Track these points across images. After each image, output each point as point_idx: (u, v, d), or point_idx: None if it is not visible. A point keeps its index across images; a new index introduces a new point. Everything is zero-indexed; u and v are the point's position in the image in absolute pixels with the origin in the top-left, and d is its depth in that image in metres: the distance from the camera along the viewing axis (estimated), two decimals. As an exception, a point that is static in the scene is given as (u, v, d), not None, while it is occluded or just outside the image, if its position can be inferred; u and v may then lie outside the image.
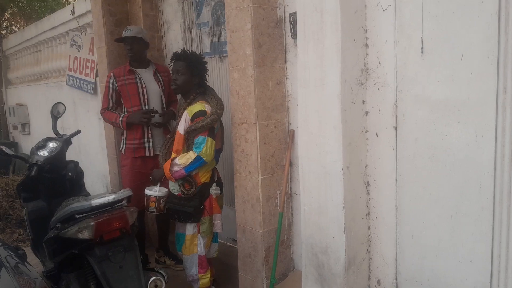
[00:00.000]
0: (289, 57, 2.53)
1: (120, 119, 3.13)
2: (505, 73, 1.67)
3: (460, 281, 1.92)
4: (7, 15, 8.99)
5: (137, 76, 3.18)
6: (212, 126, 2.47)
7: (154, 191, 2.61)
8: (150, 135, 3.18)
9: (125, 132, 3.23)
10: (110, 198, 2.26)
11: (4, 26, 8.82)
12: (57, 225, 2.38)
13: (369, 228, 2.23)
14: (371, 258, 2.25)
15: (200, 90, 2.58)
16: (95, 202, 2.24)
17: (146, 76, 3.21)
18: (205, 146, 2.41)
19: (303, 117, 2.21)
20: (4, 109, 7.33)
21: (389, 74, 2.04)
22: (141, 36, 3.14)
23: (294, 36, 2.41)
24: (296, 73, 2.45)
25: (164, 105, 3.29)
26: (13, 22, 9.21)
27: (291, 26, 2.44)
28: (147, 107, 3.17)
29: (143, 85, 3.17)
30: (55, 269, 2.56)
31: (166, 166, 2.53)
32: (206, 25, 3.37)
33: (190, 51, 2.64)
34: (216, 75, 3.34)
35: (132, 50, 3.15)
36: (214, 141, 2.45)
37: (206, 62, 2.65)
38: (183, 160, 2.47)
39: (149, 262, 3.35)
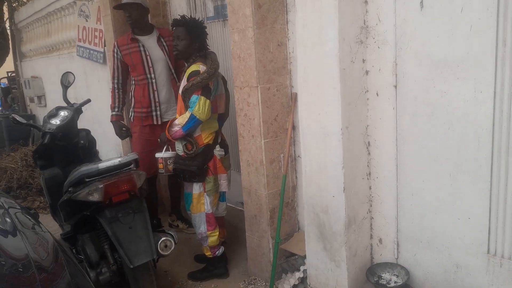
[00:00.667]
0: (290, 18, 2.49)
1: (112, 113, 3.35)
2: (505, 26, 1.62)
3: (458, 238, 1.94)
4: (18, -13, 9.01)
5: (140, 44, 3.17)
6: (207, 86, 2.50)
7: (160, 153, 2.73)
8: (157, 103, 3.22)
9: (132, 100, 3.28)
10: (116, 161, 2.34)
11: (16, -1, 8.86)
12: (69, 189, 2.49)
13: (370, 188, 2.25)
14: (372, 218, 2.29)
15: (200, 54, 2.61)
16: (102, 165, 2.32)
17: (150, 42, 3.20)
18: (197, 104, 2.46)
19: (302, 78, 2.20)
20: (21, 83, 7.47)
21: (388, 31, 2.00)
22: (139, 2, 3.10)
23: (294, -5, 2.36)
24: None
25: (172, 71, 3.28)
26: (23, -6, 9.24)
27: (291, -15, 2.39)
28: (152, 76, 3.18)
29: (147, 53, 3.17)
30: (71, 231, 2.70)
31: (167, 127, 2.63)
32: (210, -12, 3.33)
33: (189, 17, 2.65)
34: (220, 39, 3.32)
35: (131, 17, 3.13)
36: (208, 100, 2.47)
37: (205, 27, 2.66)
38: (180, 119, 2.55)
39: (162, 226, 3.47)
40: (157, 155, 2.75)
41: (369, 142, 2.20)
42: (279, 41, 2.49)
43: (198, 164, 2.60)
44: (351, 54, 2.04)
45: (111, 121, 3.39)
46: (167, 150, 2.74)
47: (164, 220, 3.59)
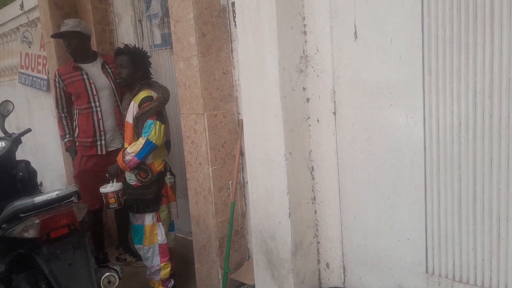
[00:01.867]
0: (235, 46, 2.54)
1: (65, 141, 3.22)
2: (429, 56, 1.74)
3: (399, 258, 2.00)
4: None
5: (83, 72, 3.08)
6: (160, 111, 2.53)
7: (110, 188, 2.61)
8: (102, 132, 3.11)
9: (77, 129, 3.16)
10: (53, 194, 2.22)
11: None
12: (3, 225, 2.33)
13: (315, 212, 2.28)
14: (319, 242, 2.31)
15: (144, 82, 2.62)
16: (39, 199, 2.19)
17: (93, 70, 3.12)
18: (153, 129, 2.46)
19: (246, 106, 2.22)
20: (-42, 111, 7.01)
21: (326, 60, 2.08)
22: (78, 30, 3.01)
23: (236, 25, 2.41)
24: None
25: (117, 98, 3.19)
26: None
27: (234, 15, 2.44)
28: (97, 104, 3.09)
29: (91, 81, 3.08)
30: (5, 271, 2.51)
31: (119, 157, 2.56)
32: (156, 16, 3.33)
33: (133, 45, 2.68)
34: (168, 66, 3.31)
35: (71, 46, 3.05)
36: (163, 125, 2.49)
37: (149, 56, 2.69)
38: (134, 147, 2.50)
39: (109, 260, 3.32)
40: (105, 190, 2.60)
41: (312, 167, 2.25)
42: (224, 69, 2.52)
43: (154, 192, 2.56)
44: (292, 82, 2.10)
45: (66, 149, 3.25)
46: (113, 182, 2.64)
47: (111, 254, 3.44)
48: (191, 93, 2.48)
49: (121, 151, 2.59)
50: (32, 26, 4.60)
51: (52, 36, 3.24)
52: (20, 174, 3.14)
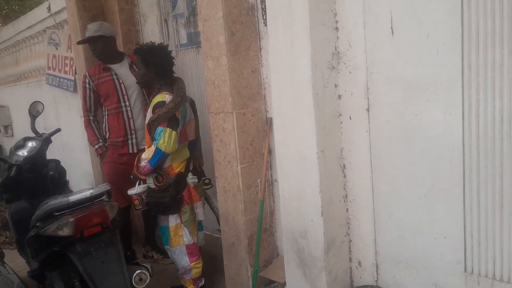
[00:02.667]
0: (263, 44, 2.53)
1: (96, 147, 3.23)
2: (469, 50, 1.69)
3: (436, 258, 1.96)
4: (-15, 16, 8.84)
5: (113, 73, 3.12)
6: (173, 116, 2.42)
7: (133, 190, 2.61)
8: (133, 131, 3.15)
9: (107, 131, 3.21)
10: (87, 193, 2.25)
11: (-17, 27, 8.66)
12: (37, 224, 2.37)
13: (347, 210, 2.25)
14: (351, 240, 2.28)
15: (165, 82, 2.56)
16: (73, 198, 2.23)
17: (122, 70, 3.16)
18: (162, 137, 2.38)
19: (277, 104, 2.21)
20: (-13, 112, 7.22)
21: (359, 56, 2.05)
22: (100, 34, 3.04)
23: (266, 23, 2.40)
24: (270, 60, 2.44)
25: (146, 97, 3.22)
26: (-9, 23, 9.05)
27: (263, 13, 2.43)
28: (127, 103, 3.13)
29: (120, 81, 3.12)
30: (39, 268, 2.56)
31: (135, 162, 2.56)
32: (182, 16, 3.35)
33: (147, 43, 2.64)
34: (194, 65, 3.33)
35: (96, 50, 3.10)
36: (174, 132, 2.39)
37: (163, 53, 2.60)
38: (147, 153, 2.48)
39: (136, 258, 3.34)
40: (130, 192, 2.62)
41: (344, 165, 2.22)
42: (253, 68, 2.52)
43: (171, 195, 2.51)
44: (324, 79, 2.07)
45: (98, 155, 3.30)
46: (139, 184, 2.63)
47: (138, 251, 3.47)
48: (220, 91, 2.48)
49: (137, 156, 2.57)
50: (59, 28, 4.68)
51: (78, 43, 3.29)
52: (51, 173, 3.20)
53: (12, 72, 6.31)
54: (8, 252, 4.19)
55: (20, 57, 6.03)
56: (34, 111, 3.45)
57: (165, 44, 2.75)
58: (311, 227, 2.14)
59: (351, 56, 2.08)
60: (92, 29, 3.07)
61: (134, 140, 3.15)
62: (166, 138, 2.39)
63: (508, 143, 1.65)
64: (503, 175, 1.69)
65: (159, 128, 2.42)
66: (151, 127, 2.46)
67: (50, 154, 3.38)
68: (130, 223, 3.50)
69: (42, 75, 5.28)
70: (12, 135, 6.67)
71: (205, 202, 2.83)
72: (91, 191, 2.26)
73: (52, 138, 3.38)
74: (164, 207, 2.54)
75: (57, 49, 4.74)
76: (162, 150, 2.40)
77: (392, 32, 1.92)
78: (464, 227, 1.84)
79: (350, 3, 2.03)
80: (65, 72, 4.62)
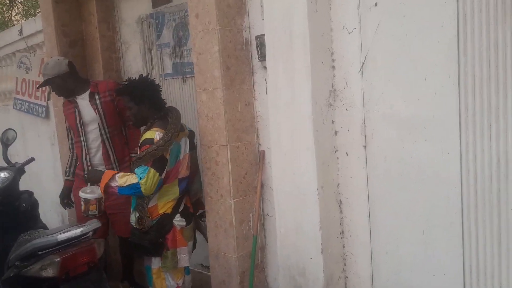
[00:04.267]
0: (256, 79, 2.54)
1: (64, 178, 3.20)
2: (466, 93, 1.77)
3: (434, 294, 1.98)
4: None
5: (76, 105, 2.98)
6: (162, 157, 2.27)
7: (93, 193, 2.37)
8: (89, 167, 2.97)
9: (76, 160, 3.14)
10: (78, 231, 2.12)
11: None
12: (16, 263, 2.20)
13: (343, 246, 2.25)
14: (347, 277, 2.27)
15: (159, 115, 2.44)
16: (62, 236, 2.09)
17: (82, 103, 2.98)
18: (146, 177, 2.21)
19: (275, 139, 2.21)
20: None
21: (356, 94, 2.10)
22: (52, 76, 2.89)
23: (261, 58, 2.43)
24: (264, 94, 2.46)
25: (106, 131, 2.98)
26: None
27: (258, 48, 2.46)
28: (83, 139, 2.98)
29: (81, 115, 2.96)
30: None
31: (106, 176, 2.30)
32: (168, 45, 3.32)
33: (127, 80, 2.53)
34: (179, 95, 3.28)
35: (56, 91, 3.00)
36: (157, 174, 2.24)
37: (151, 85, 2.49)
38: (123, 179, 2.26)
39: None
40: (87, 196, 2.35)
41: (340, 200, 2.23)
42: (246, 101, 2.52)
43: (151, 239, 2.35)
44: (322, 116, 2.10)
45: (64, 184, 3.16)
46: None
47: (114, 287, 3.29)
48: (214, 124, 2.45)
49: (112, 172, 2.36)
50: (31, 51, 4.51)
51: (38, 88, 3.22)
52: (23, 205, 3.02)
53: (-26, 95, 5.97)
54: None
55: (-15, 79, 5.73)
56: (5, 139, 3.27)
57: (147, 74, 2.67)
58: (310, 264, 2.12)
59: (348, 94, 2.13)
60: (47, 71, 2.90)
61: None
62: (149, 179, 2.21)
63: (505, 183, 1.73)
64: (501, 213, 1.75)
65: (142, 167, 2.24)
66: (136, 165, 2.29)
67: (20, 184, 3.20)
68: (108, 257, 3.32)
69: (9, 99, 5.04)
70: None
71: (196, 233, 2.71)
72: (81, 228, 2.14)
73: (26, 168, 3.21)
74: (144, 250, 2.40)
75: (27, 73, 4.55)
76: (141, 190, 2.22)
77: (390, 74, 1.99)
78: (463, 264, 1.88)
79: (347, 44, 2.09)
80: (36, 98, 4.43)
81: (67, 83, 2.96)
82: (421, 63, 1.88)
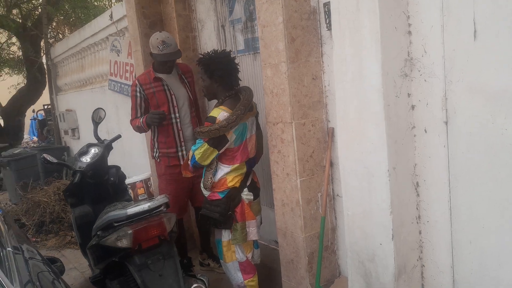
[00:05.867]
0: (325, 50, 2.37)
1: (141, 120, 3.06)
2: None
3: (528, 293, 1.70)
4: (54, 24, 9.39)
5: (164, 83, 3.06)
6: (221, 136, 2.32)
7: (135, 177, 2.45)
8: (182, 143, 3.11)
9: (156, 143, 3.18)
10: (145, 206, 2.24)
11: (52, 35, 9.22)
12: (98, 233, 2.41)
13: (420, 232, 2.04)
14: (423, 265, 2.06)
15: (230, 93, 2.43)
16: (131, 210, 2.22)
17: (173, 81, 3.10)
18: (199, 149, 2.36)
19: (341, 115, 2.05)
20: (56, 115, 7.68)
21: (436, 63, 1.83)
22: (178, 49, 3.04)
23: (329, 27, 2.25)
24: (333, 67, 2.29)
25: (194, 109, 3.18)
26: (59, 31, 9.61)
27: (326, 17, 2.27)
28: (177, 115, 3.07)
29: (171, 92, 3.06)
30: (100, 275, 2.60)
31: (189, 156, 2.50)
32: (239, 21, 3.27)
33: (209, 53, 2.51)
34: (251, 72, 3.23)
35: (172, 67, 3.06)
36: (212, 149, 2.35)
37: (224, 61, 2.45)
38: (190, 153, 2.46)
39: (193, 265, 3.33)
40: (131, 180, 2.45)
41: (417, 183, 2.01)
42: (313, 75, 2.37)
43: (221, 211, 2.39)
44: (396, 88, 1.88)
45: (145, 123, 3.03)
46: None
47: (195, 258, 3.45)
48: (279, 101, 2.36)
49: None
50: (120, 35, 4.82)
51: (160, 60, 3.01)
52: (112, 179, 3.26)
53: (78, 78, 6.65)
54: (73, 252, 4.39)
55: (85, 63, 6.32)
56: (97, 118, 3.54)
57: (227, 50, 2.62)
58: (379, 250, 1.96)
59: (427, 63, 1.86)
60: (173, 44, 3.00)
61: (184, 152, 3.10)
62: (202, 152, 2.36)
63: None
64: None
65: (200, 140, 2.39)
66: (196, 137, 2.44)
67: (112, 157, 3.45)
68: (184, 232, 3.48)
69: (105, 81, 5.48)
70: (79, 138, 7.03)
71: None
72: (149, 203, 2.24)
73: (113, 144, 3.45)
74: (214, 222, 2.45)
75: (118, 55, 4.88)
76: (197, 160, 2.39)
77: (475, 36, 1.69)
78: None
79: (426, 4, 1.82)
80: (126, 78, 4.75)
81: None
82: (517, 21, 1.56)
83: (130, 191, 2.48)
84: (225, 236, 2.50)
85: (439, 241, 1.98)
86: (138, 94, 3.11)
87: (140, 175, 2.47)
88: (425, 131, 1.93)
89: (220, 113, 2.33)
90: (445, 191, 1.90)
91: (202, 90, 2.60)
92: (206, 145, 2.35)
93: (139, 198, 2.43)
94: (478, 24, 1.67)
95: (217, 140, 2.32)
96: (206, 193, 2.52)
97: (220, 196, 2.45)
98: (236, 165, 2.43)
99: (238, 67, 2.54)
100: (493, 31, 1.62)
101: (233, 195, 2.44)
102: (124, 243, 2.19)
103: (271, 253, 3.23)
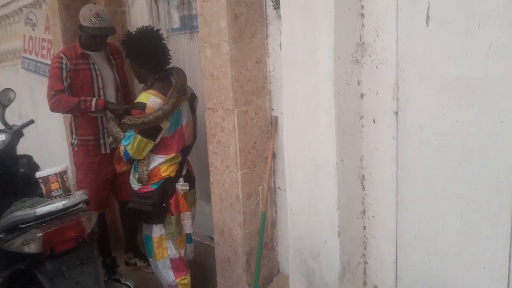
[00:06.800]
0: (270, 31, 2.19)
1: (93, 103, 2.60)
2: (533, 46, 1.38)
3: (471, 288, 1.67)
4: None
5: (91, 61, 2.71)
6: (155, 127, 2.09)
7: (49, 170, 2.05)
8: (105, 129, 2.75)
9: (73, 127, 2.81)
10: (59, 204, 1.89)
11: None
12: (0, 236, 2.01)
13: (364, 228, 1.95)
14: (366, 262, 1.99)
15: (159, 76, 2.20)
16: (41, 210, 1.86)
17: (100, 60, 2.76)
18: (131, 143, 2.12)
19: (289, 102, 1.88)
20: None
21: (389, 49, 1.73)
22: (112, 25, 2.71)
23: (276, 5, 2.06)
24: (278, 50, 2.12)
25: (120, 93, 2.87)
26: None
27: (272, -6, 2.09)
28: (101, 97, 2.72)
29: (97, 72, 2.72)
30: (3, 285, 2.20)
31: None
32: (175, -3, 2.98)
33: (131, 32, 2.28)
34: (187, 53, 2.96)
35: (102, 44, 2.73)
36: (147, 140, 2.11)
37: (147, 41, 2.19)
38: (121, 147, 2.22)
39: (117, 266, 3.02)
40: (43, 173, 2.05)
41: (363, 176, 1.91)
42: (258, 58, 2.18)
43: (154, 203, 2.16)
44: (347, 75, 1.75)
45: (101, 107, 2.63)
46: None
47: (119, 257, 3.14)
48: (219, 85, 2.14)
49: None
50: (37, 6, 4.25)
51: (92, 33, 2.65)
52: (22, 170, 2.82)
53: (-15, 54, 5.83)
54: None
55: (-6, 37, 5.55)
56: (5, 100, 3.06)
57: (155, 28, 2.34)
58: (324, 248, 1.84)
59: (379, 48, 1.76)
60: (108, 19, 2.68)
61: (106, 140, 2.75)
62: (135, 145, 2.11)
63: None
64: None
65: (130, 132, 2.14)
66: (126, 129, 2.19)
67: (25, 146, 3.01)
68: (107, 229, 3.14)
69: (18, 59, 4.84)
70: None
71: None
72: (64, 201, 1.90)
73: (27, 128, 3.01)
74: (146, 217, 2.20)
75: (34, 30, 4.31)
76: (130, 155, 2.16)
77: (428, 21, 1.61)
78: (510, 256, 1.55)
79: (380, -15, 1.70)
80: (42, 56, 4.21)
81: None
82: (473, 8, 1.49)
83: (42, 186, 2.09)
84: (156, 231, 2.25)
85: (384, 237, 1.90)
86: (64, 66, 2.66)
87: (54, 167, 2.07)
88: (374, 122, 1.83)
89: (149, 98, 2.09)
90: (392, 185, 1.82)
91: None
92: (139, 137, 2.09)
93: (53, 195, 2.02)
94: (432, 8, 1.59)
95: (150, 130, 2.08)
96: (136, 186, 2.24)
97: (152, 188, 2.21)
98: (171, 156, 2.19)
99: (167, 46, 2.28)
100: (450, 16, 1.54)
101: (168, 186, 2.22)
102: (32, 248, 1.83)
103: (205, 250, 3.01)
